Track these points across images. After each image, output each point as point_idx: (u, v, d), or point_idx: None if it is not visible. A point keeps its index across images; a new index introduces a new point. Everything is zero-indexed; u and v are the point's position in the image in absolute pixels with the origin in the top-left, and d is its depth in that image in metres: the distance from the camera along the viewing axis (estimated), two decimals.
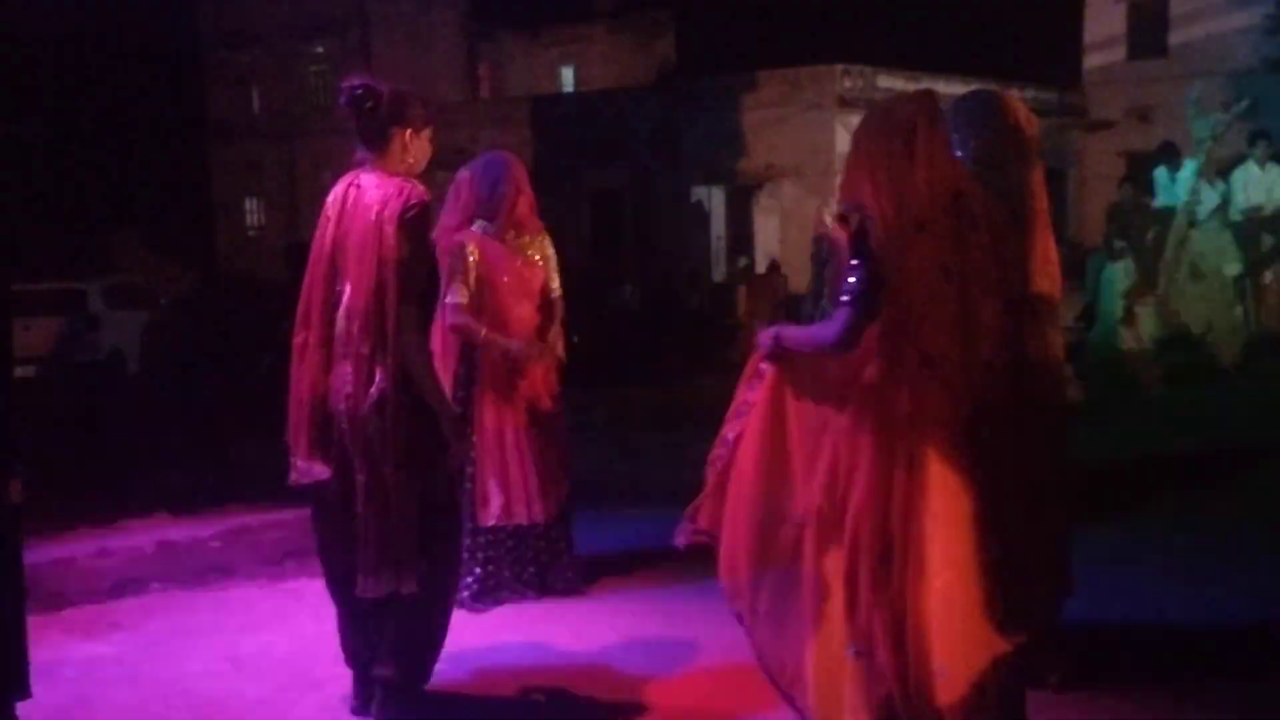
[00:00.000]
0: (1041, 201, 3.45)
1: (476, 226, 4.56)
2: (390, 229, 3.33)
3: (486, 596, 4.57)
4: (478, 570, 4.55)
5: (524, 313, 4.59)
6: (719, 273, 25.42)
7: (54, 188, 30.02)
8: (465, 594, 4.48)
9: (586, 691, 3.77)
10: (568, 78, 33.70)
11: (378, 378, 3.34)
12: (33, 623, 3.40)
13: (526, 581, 4.62)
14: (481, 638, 4.19)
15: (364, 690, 3.53)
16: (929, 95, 2.93)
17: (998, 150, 3.40)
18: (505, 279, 4.54)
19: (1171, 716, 3.44)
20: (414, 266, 3.38)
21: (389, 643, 3.42)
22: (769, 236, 25.28)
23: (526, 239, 4.64)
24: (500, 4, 32.06)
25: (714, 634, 4.14)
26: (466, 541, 4.42)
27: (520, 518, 4.54)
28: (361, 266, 3.36)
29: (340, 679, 3.72)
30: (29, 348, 18.74)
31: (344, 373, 3.39)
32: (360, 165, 3.51)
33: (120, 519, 6.27)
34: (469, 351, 4.56)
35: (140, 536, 5.65)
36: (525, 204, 4.61)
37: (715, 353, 18.56)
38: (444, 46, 31.86)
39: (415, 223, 3.37)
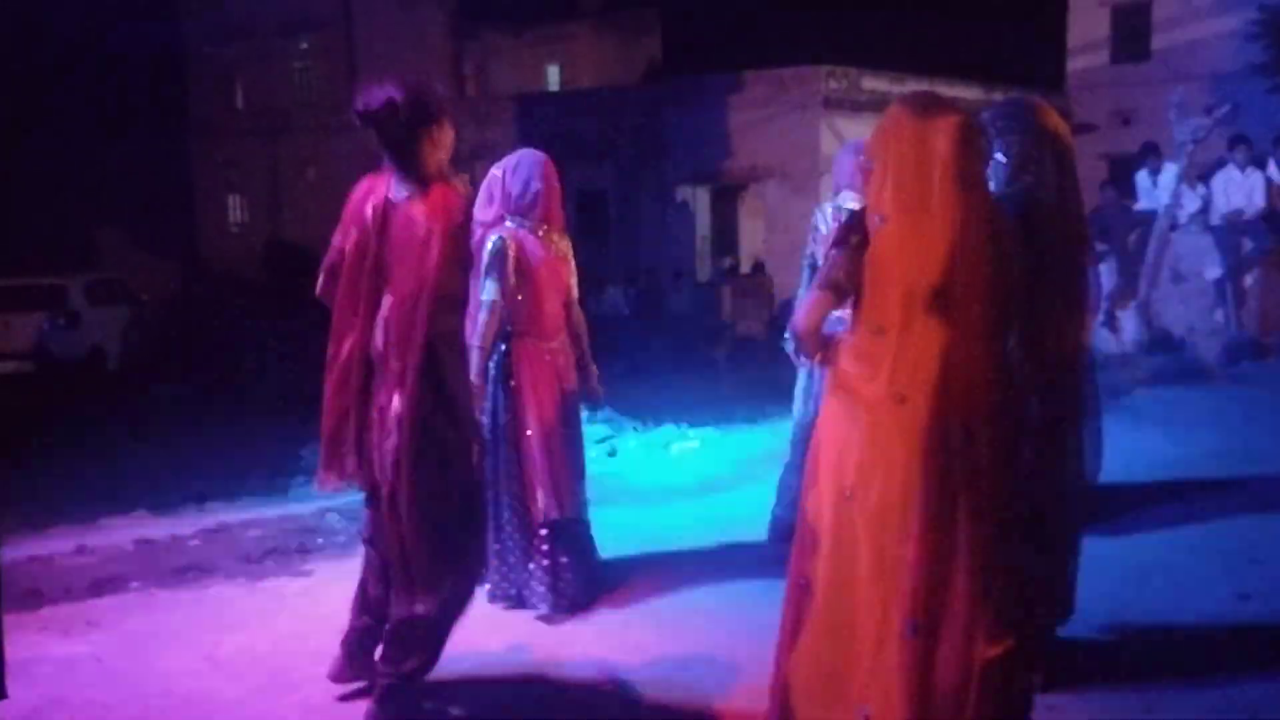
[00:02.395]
0: (1076, 206, 3.50)
1: (509, 223, 4.49)
2: (438, 242, 3.31)
3: (564, 603, 4.41)
4: (552, 571, 4.40)
5: (554, 308, 4.53)
6: (703, 273, 25.47)
7: (35, 183, 29.84)
8: (551, 600, 4.38)
9: (575, 701, 3.76)
10: (553, 76, 33.69)
11: (410, 390, 3.31)
12: (9, 621, 3.37)
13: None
14: (471, 644, 4.17)
15: (354, 655, 3.58)
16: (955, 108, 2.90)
17: (1032, 153, 3.45)
18: (542, 272, 4.48)
19: (1153, 718, 3.45)
20: (455, 271, 3.38)
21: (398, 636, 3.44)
22: (753, 237, 25.34)
23: (555, 235, 4.59)
24: (486, 2, 32.02)
25: (703, 639, 4.15)
26: (542, 547, 4.37)
27: (565, 511, 4.44)
28: (405, 281, 3.34)
29: (320, 679, 3.69)
30: (9, 344, 18.68)
31: (379, 384, 3.38)
32: (387, 170, 3.42)
33: (99, 517, 6.24)
34: (507, 348, 4.44)
35: (119, 534, 5.63)
36: (556, 202, 4.57)
37: (700, 352, 18.61)
38: (429, 44, 31.76)
39: (464, 230, 3.41)
